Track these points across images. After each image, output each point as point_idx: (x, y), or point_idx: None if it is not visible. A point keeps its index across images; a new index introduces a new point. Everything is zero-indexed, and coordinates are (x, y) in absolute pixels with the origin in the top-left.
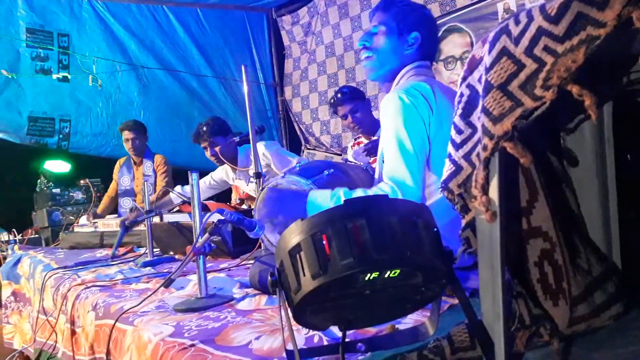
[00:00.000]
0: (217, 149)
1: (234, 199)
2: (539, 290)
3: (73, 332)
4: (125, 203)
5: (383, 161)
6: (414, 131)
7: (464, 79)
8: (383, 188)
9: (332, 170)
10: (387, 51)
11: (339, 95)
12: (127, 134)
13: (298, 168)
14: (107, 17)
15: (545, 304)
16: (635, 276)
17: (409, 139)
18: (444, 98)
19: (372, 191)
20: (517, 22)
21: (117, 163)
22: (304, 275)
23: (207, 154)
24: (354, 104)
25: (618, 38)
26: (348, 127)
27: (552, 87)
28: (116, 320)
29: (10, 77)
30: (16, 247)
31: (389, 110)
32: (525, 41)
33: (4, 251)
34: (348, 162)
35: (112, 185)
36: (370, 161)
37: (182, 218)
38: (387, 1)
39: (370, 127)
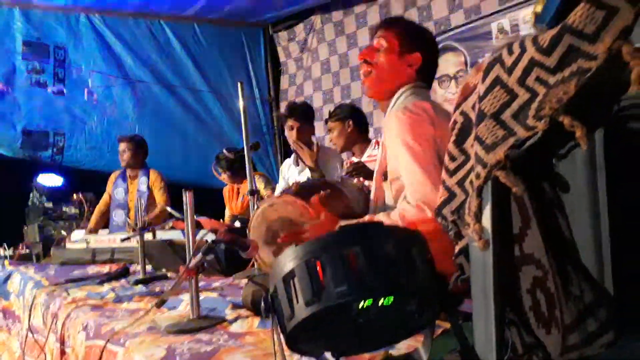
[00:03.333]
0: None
1: (227, 216)
2: (531, 318)
3: (62, 352)
4: (118, 216)
5: (390, 180)
6: (424, 143)
7: (458, 105)
8: (407, 209)
9: (328, 190)
10: (387, 69)
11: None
12: (121, 146)
13: (294, 187)
14: (104, 31)
15: (538, 332)
16: (627, 303)
17: (422, 152)
18: (443, 119)
19: (395, 214)
20: (510, 52)
21: (112, 175)
22: (297, 302)
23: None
24: None
25: (609, 69)
26: None
27: (544, 117)
28: (107, 342)
29: (5, 90)
30: (6, 262)
31: (393, 129)
32: (518, 71)
33: None
34: (344, 180)
35: (104, 199)
36: (355, 181)
37: (175, 236)
38: (392, 19)
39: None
